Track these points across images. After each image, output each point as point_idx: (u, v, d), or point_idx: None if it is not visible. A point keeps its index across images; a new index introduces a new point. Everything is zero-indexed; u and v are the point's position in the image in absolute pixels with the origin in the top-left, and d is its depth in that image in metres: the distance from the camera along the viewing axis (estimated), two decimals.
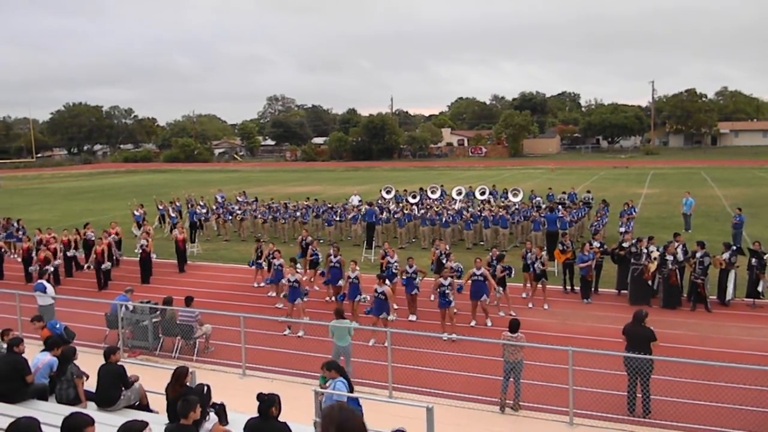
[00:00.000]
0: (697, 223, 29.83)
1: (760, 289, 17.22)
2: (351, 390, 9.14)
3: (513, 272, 17.55)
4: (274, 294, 18.70)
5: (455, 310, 16.77)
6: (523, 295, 18.11)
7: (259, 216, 30.31)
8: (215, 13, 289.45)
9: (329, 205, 30.12)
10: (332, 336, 12.54)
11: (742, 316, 16.38)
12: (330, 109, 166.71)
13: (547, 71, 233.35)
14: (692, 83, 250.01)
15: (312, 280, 20.00)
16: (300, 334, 15.42)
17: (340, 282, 17.12)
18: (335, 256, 17.65)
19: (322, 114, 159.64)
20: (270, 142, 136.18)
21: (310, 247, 20.20)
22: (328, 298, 18.59)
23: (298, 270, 16.63)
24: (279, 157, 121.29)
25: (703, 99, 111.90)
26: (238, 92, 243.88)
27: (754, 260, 17.38)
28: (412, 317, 16.45)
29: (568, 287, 19.05)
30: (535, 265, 17.42)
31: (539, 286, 17.48)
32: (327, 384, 9.16)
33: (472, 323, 15.80)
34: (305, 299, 15.89)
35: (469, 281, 15.85)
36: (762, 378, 11.57)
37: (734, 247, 17.84)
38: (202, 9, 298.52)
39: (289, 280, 15.94)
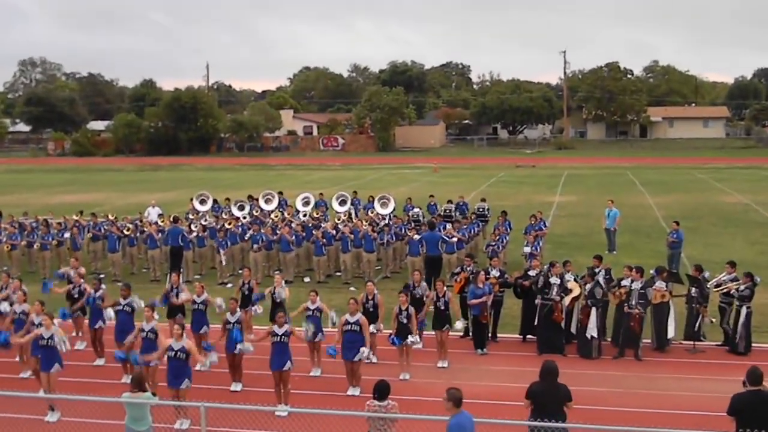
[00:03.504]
0: (624, 242, 31.86)
1: (696, 327, 18.57)
2: None
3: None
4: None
5: (311, 372, 16.79)
6: (409, 340, 18.45)
7: (4, 240, 28.69)
8: None
9: (110, 221, 29.11)
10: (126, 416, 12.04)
11: (679, 365, 17.60)
12: (115, 80, 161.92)
13: (423, 34, 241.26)
14: (612, 55, 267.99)
15: (79, 334, 19.43)
16: (50, 418, 14.69)
17: (130, 337, 16.51)
18: (124, 299, 17.09)
19: (103, 87, 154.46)
20: (23, 127, 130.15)
21: (73, 284, 19.40)
22: (99, 360, 18.09)
23: (55, 322, 15.74)
24: (37, 150, 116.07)
25: (629, 76, 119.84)
26: None
27: (693, 290, 18.75)
28: (236, 386, 16.22)
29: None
30: (438, 303, 17.66)
31: (441, 334, 17.66)
32: None
33: (350, 391, 15.93)
34: (60, 367, 15.11)
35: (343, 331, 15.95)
36: None
37: (654, 273, 19.04)
38: None
39: (42, 338, 15.05)
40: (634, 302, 17.97)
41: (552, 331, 18.35)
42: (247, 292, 19.35)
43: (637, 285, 18.19)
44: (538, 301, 18.59)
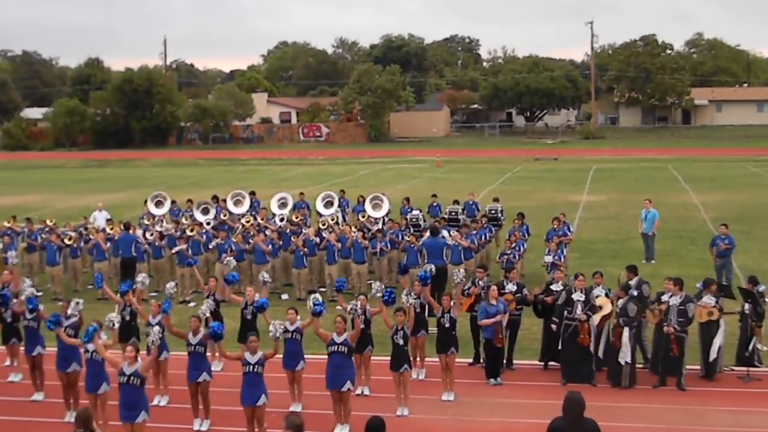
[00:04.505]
0: (664, 249, 31.94)
1: (750, 350, 18.56)
2: None
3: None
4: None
5: (291, 407, 16.79)
6: (415, 375, 18.48)
7: None
8: None
9: (48, 228, 29.05)
10: None
11: (731, 395, 17.59)
12: (54, 59, 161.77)
13: (423, 3, 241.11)
14: (648, 26, 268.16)
15: (14, 364, 19.43)
16: None
17: (75, 366, 16.57)
18: (67, 318, 17.01)
19: (39, 67, 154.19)
20: None
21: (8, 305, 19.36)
22: (38, 395, 18.08)
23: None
24: None
25: (669, 52, 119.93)
26: None
27: (746, 306, 18.77)
28: (201, 424, 16.23)
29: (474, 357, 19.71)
30: (443, 320, 17.63)
31: (446, 359, 17.70)
32: None
33: (338, 430, 15.90)
34: None
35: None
36: None
37: (701, 286, 19.04)
38: None
39: None
40: (672, 320, 17.96)
41: (578, 357, 18.34)
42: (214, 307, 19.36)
43: (675, 300, 18.13)
44: (556, 321, 18.60)
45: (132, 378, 14.31)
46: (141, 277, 19.14)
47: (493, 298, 18.48)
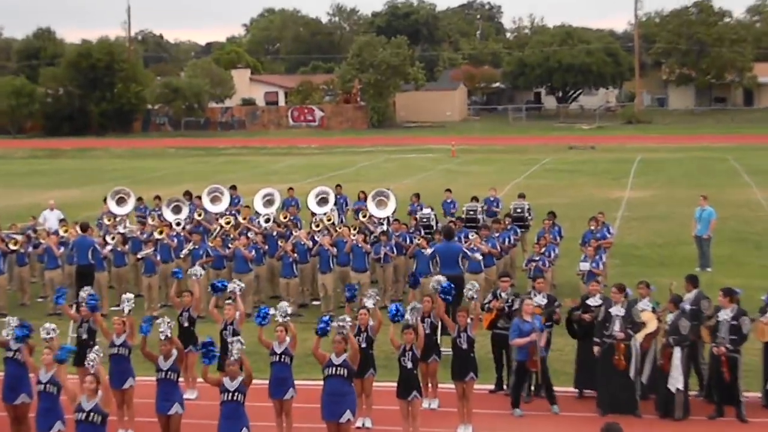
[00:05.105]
0: (722, 254, 31.86)
1: None
2: None
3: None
4: None
5: None
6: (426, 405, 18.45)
7: None
8: None
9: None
10: None
11: None
12: None
13: None
14: None
15: None
16: None
17: (24, 397, 16.54)
18: (16, 340, 17.02)
19: None
20: None
21: None
22: None
23: None
24: None
25: (727, 20, 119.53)
26: None
27: None
28: None
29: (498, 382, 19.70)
30: (459, 341, 17.62)
31: (463, 386, 17.66)
32: None
33: None
34: None
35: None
36: None
37: (766, 299, 18.98)
38: None
39: None
40: (724, 339, 17.79)
41: (619, 382, 18.23)
42: (187, 323, 19.31)
43: (726, 315, 18.04)
44: (598, 342, 18.45)
45: (92, 415, 14.18)
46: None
47: (527, 313, 18.36)
